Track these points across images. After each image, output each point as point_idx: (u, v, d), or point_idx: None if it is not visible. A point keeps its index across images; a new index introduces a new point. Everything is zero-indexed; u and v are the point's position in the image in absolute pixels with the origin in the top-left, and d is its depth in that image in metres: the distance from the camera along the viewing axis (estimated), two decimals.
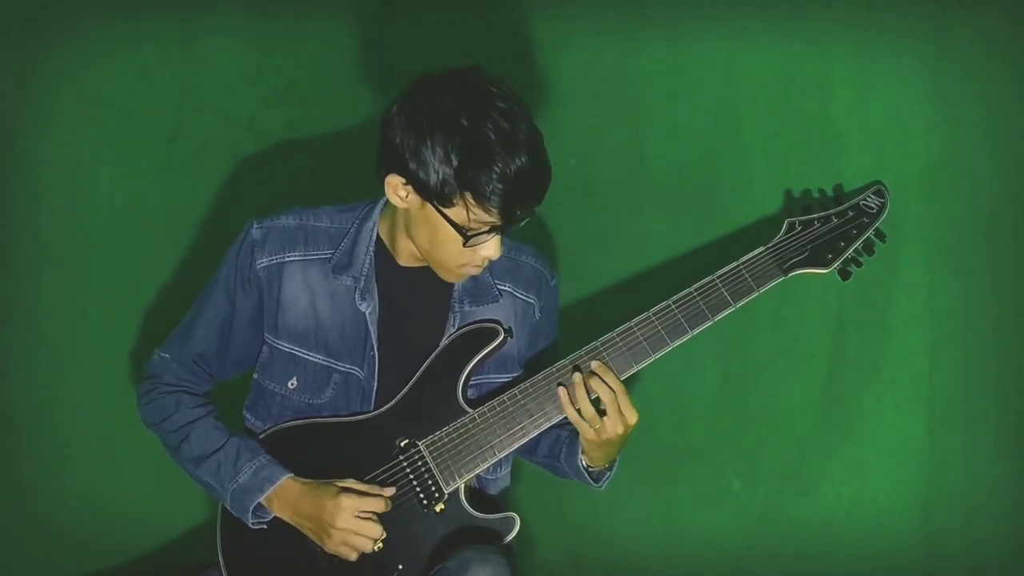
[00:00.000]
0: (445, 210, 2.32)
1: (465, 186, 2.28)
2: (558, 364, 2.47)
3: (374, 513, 2.44)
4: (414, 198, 2.35)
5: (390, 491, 2.47)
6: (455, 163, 2.27)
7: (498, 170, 2.26)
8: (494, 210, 2.29)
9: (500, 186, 2.27)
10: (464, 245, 2.35)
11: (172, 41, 3.26)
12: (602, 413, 2.43)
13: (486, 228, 2.33)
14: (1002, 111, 3.01)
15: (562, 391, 2.44)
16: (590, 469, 2.57)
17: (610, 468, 2.59)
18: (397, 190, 2.36)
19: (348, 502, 2.42)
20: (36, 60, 3.24)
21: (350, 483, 2.46)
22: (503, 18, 3.23)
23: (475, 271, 2.43)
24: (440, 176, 2.29)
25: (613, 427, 2.43)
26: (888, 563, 3.14)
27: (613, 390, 2.42)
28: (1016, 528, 3.08)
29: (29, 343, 3.32)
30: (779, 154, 3.10)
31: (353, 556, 2.44)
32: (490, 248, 2.38)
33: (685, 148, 3.16)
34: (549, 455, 2.65)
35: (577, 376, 2.43)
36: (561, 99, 3.19)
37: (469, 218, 2.31)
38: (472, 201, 2.29)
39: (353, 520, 2.42)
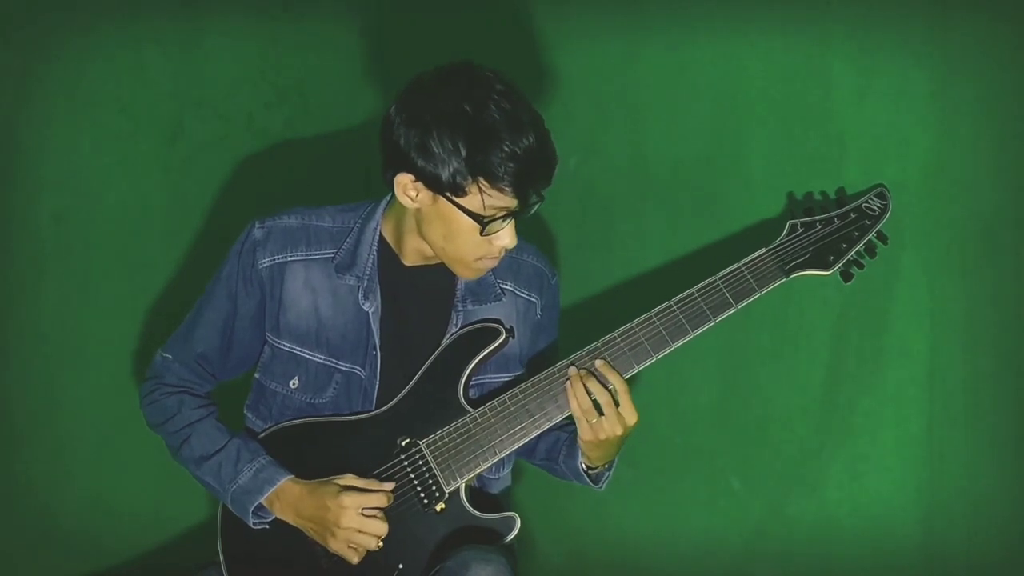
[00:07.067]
0: (459, 200, 2.32)
1: (477, 171, 2.28)
2: (559, 364, 2.47)
3: (377, 509, 2.44)
4: (425, 195, 2.35)
5: (389, 485, 2.47)
6: (464, 150, 2.27)
7: (507, 149, 2.27)
8: (508, 190, 2.30)
9: (511, 165, 2.28)
10: (481, 233, 2.35)
11: (172, 41, 3.26)
12: (601, 413, 2.43)
13: (501, 214, 2.34)
14: (1002, 111, 3.01)
15: (568, 387, 2.44)
16: (589, 471, 2.57)
17: (608, 468, 2.59)
18: (407, 190, 2.36)
19: (350, 500, 2.42)
20: (36, 60, 3.24)
21: (349, 479, 2.45)
22: (503, 18, 3.23)
23: (492, 263, 2.43)
24: (451, 166, 2.29)
25: (611, 427, 2.43)
26: (888, 563, 3.14)
27: (613, 389, 2.42)
28: (1016, 528, 3.08)
29: (29, 343, 3.31)
30: (780, 155, 3.10)
31: (356, 559, 2.44)
32: (506, 236, 2.38)
33: (686, 148, 3.15)
34: (547, 457, 2.66)
35: (578, 373, 2.43)
36: (561, 99, 3.18)
37: (484, 204, 2.31)
38: (486, 184, 2.29)
39: (357, 518, 2.42)
